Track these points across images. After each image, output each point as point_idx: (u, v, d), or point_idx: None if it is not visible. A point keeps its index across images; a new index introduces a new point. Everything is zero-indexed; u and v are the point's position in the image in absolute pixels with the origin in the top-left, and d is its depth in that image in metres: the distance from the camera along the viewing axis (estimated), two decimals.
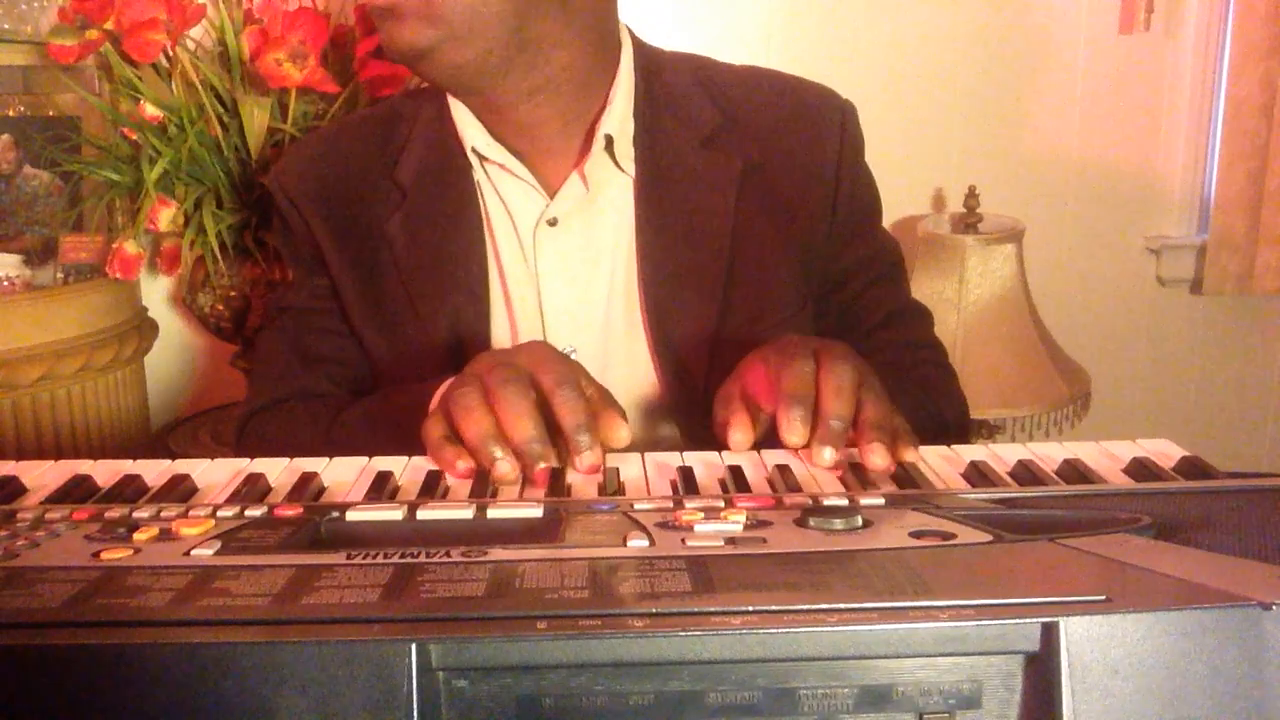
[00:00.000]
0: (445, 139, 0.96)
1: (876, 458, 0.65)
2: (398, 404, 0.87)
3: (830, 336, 0.99)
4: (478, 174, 0.96)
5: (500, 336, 0.97)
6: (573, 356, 0.92)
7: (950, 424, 1.01)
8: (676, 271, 0.94)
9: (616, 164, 0.94)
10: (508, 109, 0.93)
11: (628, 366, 0.95)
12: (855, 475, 0.66)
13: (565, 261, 0.96)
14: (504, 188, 0.96)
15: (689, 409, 0.94)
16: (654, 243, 0.94)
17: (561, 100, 0.92)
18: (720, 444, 0.73)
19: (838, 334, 1.01)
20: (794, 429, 0.68)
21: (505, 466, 0.67)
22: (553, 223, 0.95)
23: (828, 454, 0.67)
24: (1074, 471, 0.66)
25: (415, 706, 0.40)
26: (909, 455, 0.68)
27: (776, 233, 0.96)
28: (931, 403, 0.99)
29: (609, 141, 0.93)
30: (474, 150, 0.95)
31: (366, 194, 0.98)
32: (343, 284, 0.99)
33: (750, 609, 0.42)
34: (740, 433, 0.71)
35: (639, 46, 0.98)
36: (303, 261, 1.02)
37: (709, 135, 0.96)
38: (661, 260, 0.94)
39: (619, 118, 0.94)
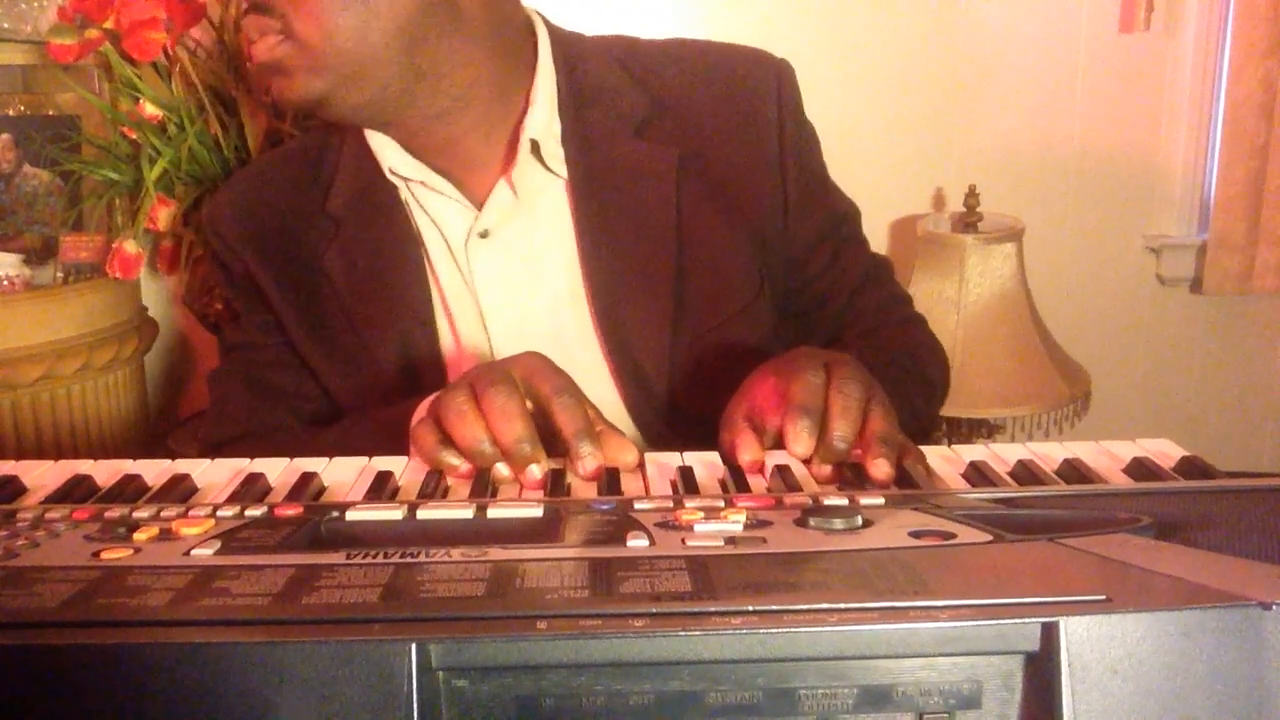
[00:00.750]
0: (370, 165, 0.93)
1: (879, 471, 0.65)
2: (379, 423, 0.85)
3: (806, 310, 0.99)
4: (404, 194, 0.93)
5: (450, 357, 0.95)
6: None
7: (937, 385, 1.01)
8: (624, 271, 0.91)
9: (546, 167, 0.91)
10: (420, 132, 0.90)
11: (583, 375, 0.93)
12: (855, 475, 0.66)
13: (502, 273, 0.93)
14: (431, 205, 0.93)
15: (649, 414, 0.93)
16: (597, 244, 0.91)
17: (475, 114, 0.90)
18: (731, 465, 0.71)
19: (816, 305, 1.00)
20: (801, 439, 0.67)
21: (504, 469, 0.67)
22: (484, 235, 0.92)
23: (826, 470, 0.67)
24: (1074, 471, 0.66)
25: (415, 706, 0.40)
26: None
27: (724, 217, 0.93)
28: (920, 368, 0.98)
29: (534, 146, 0.90)
30: (393, 172, 0.92)
31: (300, 229, 0.96)
32: (287, 320, 0.97)
33: (750, 609, 0.42)
34: (749, 452, 0.70)
35: (557, 38, 0.94)
36: (246, 298, 1.00)
37: (640, 124, 0.92)
38: (607, 262, 0.91)
39: (543, 119, 0.91)
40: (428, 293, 0.94)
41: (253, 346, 1.02)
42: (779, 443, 0.70)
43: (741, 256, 0.94)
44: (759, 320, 0.95)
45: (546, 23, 0.95)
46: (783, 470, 0.67)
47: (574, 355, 0.91)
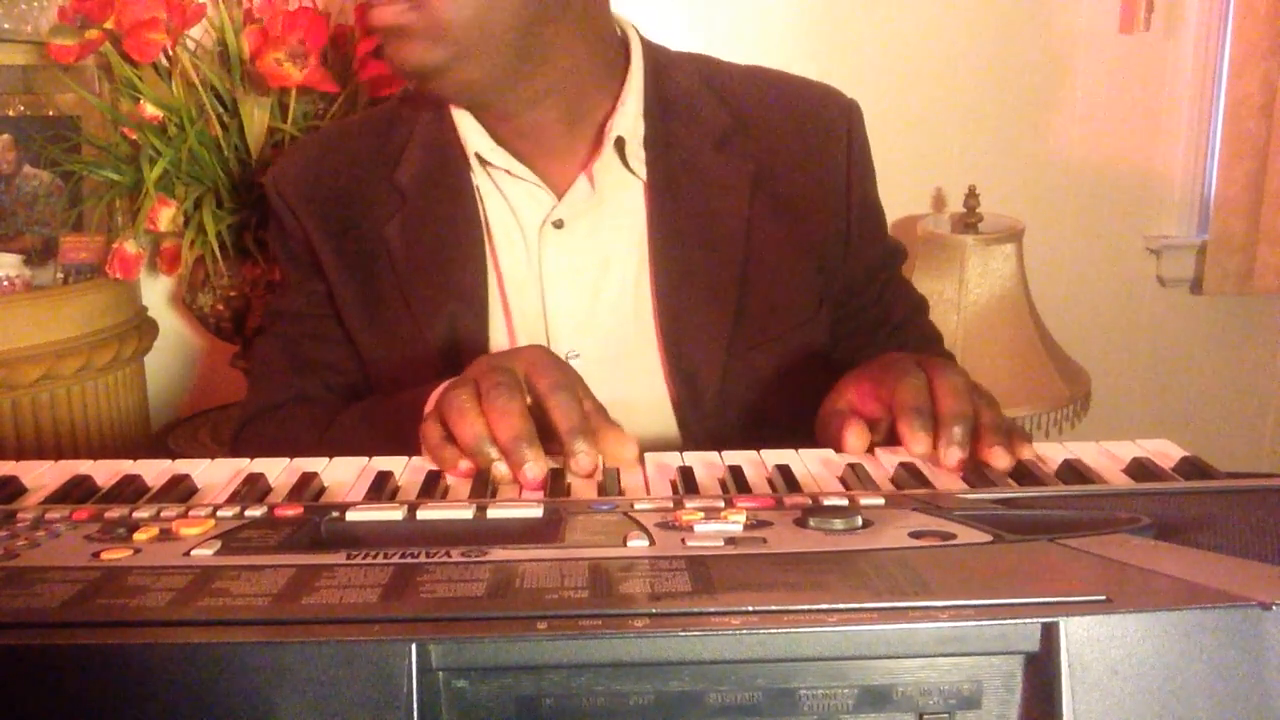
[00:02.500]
0: (445, 142, 0.95)
1: (998, 459, 0.67)
2: (393, 407, 0.86)
3: (855, 335, 1.01)
4: (479, 178, 0.95)
5: (498, 343, 0.96)
6: (575, 361, 0.92)
7: None
8: (690, 275, 0.93)
9: (627, 166, 0.94)
10: (513, 116, 0.92)
11: (637, 372, 0.94)
12: (974, 467, 0.67)
13: (571, 264, 0.95)
14: (509, 190, 0.95)
15: (698, 416, 0.94)
16: (667, 246, 0.93)
17: (566, 103, 0.92)
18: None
19: (863, 332, 1.02)
20: (918, 439, 0.68)
21: (503, 468, 0.67)
22: (558, 224, 0.94)
23: (955, 454, 0.68)
24: (1074, 471, 0.66)
25: (415, 707, 0.40)
26: (1026, 453, 0.69)
27: (790, 235, 0.95)
28: None
29: (620, 143, 0.93)
30: (477, 155, 0.94)
31: (364, 197, 0.97)
32: (339, 288, 0.98)
33: (750, 609, 0.42)
34: (856, 437, 0.72)
35: (647, 46, 0.97)
36: (299, 266, 1.01)
37: (721, 138, 0.95)
38: (675, 264, 0.93)
39: (631, 119, 0.93)
40: (484, 278, 0.95)
41: (296, 316, 1.02)
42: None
43: (803, 275, 0.96)
44: (815, 338, 0.97)
45: (638, 31, 0.98)
46: (783, 470, 0.67)
47: (631, 351, 0.94)
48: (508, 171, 0.94)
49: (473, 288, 0.95)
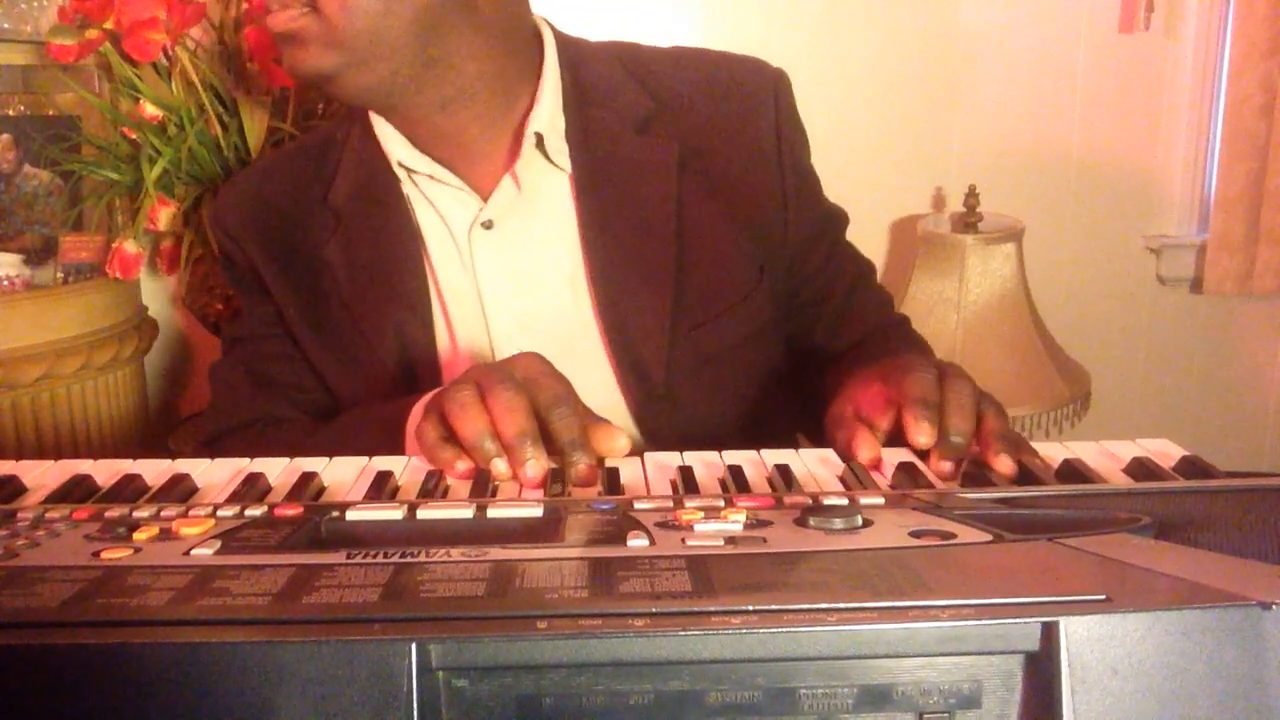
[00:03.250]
0: (373, 157, 0.95)
1: (1004, 466, 0.67)
2: (378, 417, 0.86)
3: (806, 307, 1.02)
4: (407, 187, 0.95)
5: (443, 349, 0.97)
6: None
7: None
8: (625, 263, 0.93)
9: (550, 161, 0.93)
10: (424, 121, 0.92)
11: (583, 365, 0.93)
12: (978, 471, 0.67)
13: (505, 264, 0.95)
14: (435, 196, 0.95)
15: (647, 404, 0.94)
16: (599, 237, 0.93)
17: (480, 106, 0.92)
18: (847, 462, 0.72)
19: (816, 301, 1.02)
20: (923, 429, 0.69)
21: (503, 465, 0.68)
22: (488, 225, 0.94)
23: (948, 467, 0.69)
24: (1074, 471, 0.66)
25: (415, 706, 0.40)
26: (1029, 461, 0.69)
27: (723, 212, 0.95)
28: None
29: (539, 139, 0.92)
30: (400, 164, 0.94)
31: (303, 222, 0.98)
32: (288, 311, 0.99)
33: (750, 609, 0.42)
34: (868, 450, 0.72)
35: (562, 40, 0.97)
36: (249, 292, 1.03)
37: (642, 122, 0.95)
38: (609, 253, 0.93)
39: (548, 115, 0.93)
40: (425, 285, 0.96)
41: (254, 339, 1.03)
42: (891, 441, 0.72)
43: (740, 250, 0.96)
44: (757, 313, 0.97)
45: (552, 27, 0.98)
46: (783, 470, 0.67)
47: (574, 345, 0.94)
48: (431, 177, 0.94)
49: (415, 296, 0.95)
